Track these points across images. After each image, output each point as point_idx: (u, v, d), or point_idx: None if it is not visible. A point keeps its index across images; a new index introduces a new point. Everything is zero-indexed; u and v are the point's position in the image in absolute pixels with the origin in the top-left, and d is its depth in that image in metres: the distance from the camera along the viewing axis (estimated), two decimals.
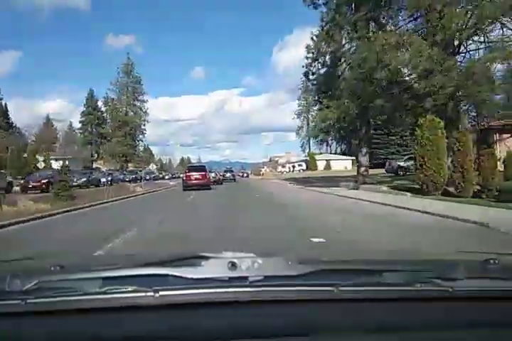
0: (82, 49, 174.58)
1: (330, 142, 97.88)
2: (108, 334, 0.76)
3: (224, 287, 0.82)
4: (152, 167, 40.01)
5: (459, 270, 1.05)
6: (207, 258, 1.11)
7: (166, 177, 63.24)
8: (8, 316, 0.77)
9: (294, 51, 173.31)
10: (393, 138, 57.49)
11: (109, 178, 32.42)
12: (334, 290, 0.81)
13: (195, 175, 22.81)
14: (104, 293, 0.80)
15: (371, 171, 52.49)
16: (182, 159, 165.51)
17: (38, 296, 0.79)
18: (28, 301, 0.77)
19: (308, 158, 67.61)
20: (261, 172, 68.41)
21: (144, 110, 77.58)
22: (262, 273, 0.92)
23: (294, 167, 63.99)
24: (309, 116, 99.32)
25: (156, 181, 45.68)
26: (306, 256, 1.63)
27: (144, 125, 78.38)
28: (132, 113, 75.99)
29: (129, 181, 39.61)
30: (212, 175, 32.11)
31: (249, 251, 1.49)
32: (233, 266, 0.93)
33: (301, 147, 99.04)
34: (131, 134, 75.27)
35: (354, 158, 73.35)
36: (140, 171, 56.14)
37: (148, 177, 50.33)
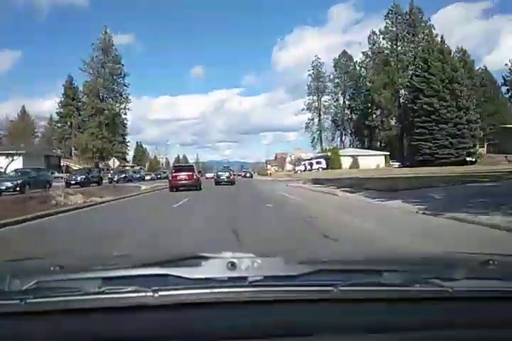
0: (81, 48, 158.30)
1: (343, 137, 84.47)
2: (108, 335, 0.76)
3: (224, 287, 0.82)
4: (113, 163, 26.06)
5: (459, 270, 1.04)
6: (206, 258, 1.09)
7: (147, 177, 49.12)
8: (8, 316, 0.76)
9: (293, 50, 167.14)
10: (444, 126, 43.44)
11: (18, 181, 18.20)
12: (334, 290, 0.80)
13: (181, 175, 20.86)
14: (104, 293, 0.80)
15: (416, 170, 38.60)
16: (178, 157, 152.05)
17: (37, 296, 0.78)
18: (28, 301, 0.76)
19: (326, 154, 53.61)
20: (268, 172, 54.64)
21: (124, 95, 63.62)
22: (262, 273, 0.91)
23: (311, 165, 50.08)
24: (321, 106, 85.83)
25: (126, 184, 31.84)
26: (305, 256, 1.59)
27: (125, 114, 64.36)
28: (110, 99, 62.08)
29: (78, 183, 26.07)
30: (226, 174, 29.56)
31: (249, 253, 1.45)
32: (233, 266, 0.92)
33: (312, 142, 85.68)
34: (109, 125, 61.32)
35: (388, 153, 60.22)
36: (121, 171, 43.03)
37: (116, 178, 36.40)
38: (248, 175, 59.71)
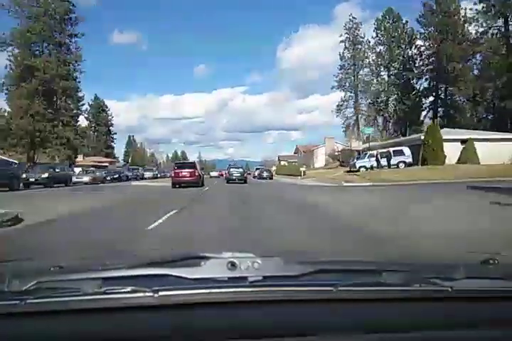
0: (86, 46, 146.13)
1: (385, 122, 61.51)
2: (108, 335, 0.75)
3: (224, 287, 0.81)
4: None
5: (459, 270, 0.98)
6: (207, 258, 1.03)
7: (85, 178, 26.45)
8: (8, 316, 0.75)
9: (299, 49, 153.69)
10: None
11: None
12: (333, 290, 0.80)
13: (183, 172, 20.23)
14: (104, 293, 0.78)
15: None
16: (175, 154, 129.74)
17: (37, 296, 0.77)
18: (28, 301, 0.75)
19: (418, 136, 30.91)
20: (302, 170, 32.14)
21: (75, 50, 40.90)
22: (262, 273, 0.87)
23: (388, 158, 27.05)
24: (359, 82, 62.88)
25: None
26: (305, 256, 1.57)
27: (75, 79, 41.75)
28: (49, 54, 39.58)
29: None
30: (240, 171, 26.37)
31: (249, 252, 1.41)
32: (233, 266, 0.89)
33: (345, 131, 62.75)
34: (47, 94, 38.92)
35: None
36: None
37: None
38: (266, 174, 37.18)
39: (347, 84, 60.84)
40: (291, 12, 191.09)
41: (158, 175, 46.84)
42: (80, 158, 62.60)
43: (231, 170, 26.49)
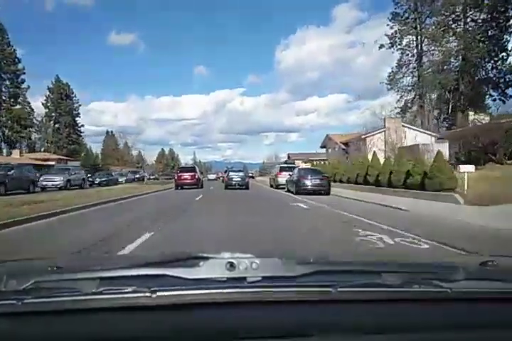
0: (83, 47, 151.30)
1: (454, 99, 39.90)
2: (105, 335, 0.74)
3: (222, 288, 0.80)
4: None
5: (458, 271, 0.99)
6: (205, 258, 1.03)
7: None
8: (5, 316, 0.74)
9: (297, 50, 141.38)
10: None
11: None
12: (332, 291, 0.79)
13: (185, 175, 22.99)
14: (102, 293, 0.77)
15: None
16: (162, 152, 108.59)
17: (34, 296, 0.76)
18: (25, 301, 0.74)
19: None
20: (464, 177, 10.31)
21: None
22: (261, 274, 0.87)
23: None
24: (424, 34, 41.12)
25: None
26: (304, 257, 1.57)
27: None
28: None
29: None
30: (241, 175, 22.75)
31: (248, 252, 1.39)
32: (231, 266, 0.89)
33: (402, 111, 40.81)
34: None
35: None
36: None
37: None
38: (318, 181, 15.78)
39: (404, 40, 39.45)
40: (289, 13, 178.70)
41: (88, 184, 24.76)
42: (16, 155, 44.38)
43: (230, 173, 22.75)
